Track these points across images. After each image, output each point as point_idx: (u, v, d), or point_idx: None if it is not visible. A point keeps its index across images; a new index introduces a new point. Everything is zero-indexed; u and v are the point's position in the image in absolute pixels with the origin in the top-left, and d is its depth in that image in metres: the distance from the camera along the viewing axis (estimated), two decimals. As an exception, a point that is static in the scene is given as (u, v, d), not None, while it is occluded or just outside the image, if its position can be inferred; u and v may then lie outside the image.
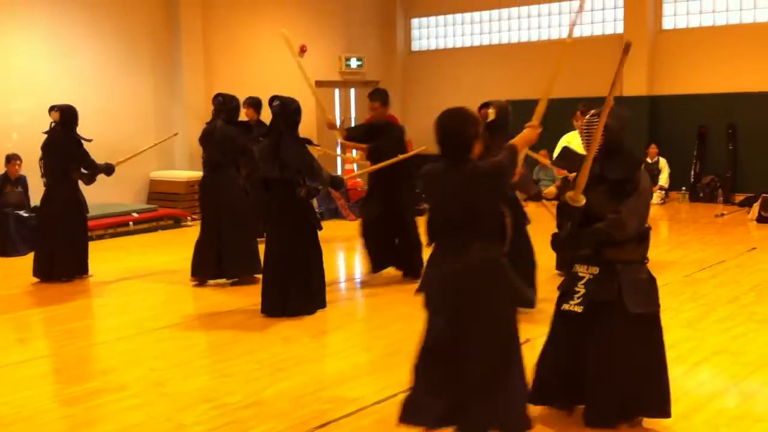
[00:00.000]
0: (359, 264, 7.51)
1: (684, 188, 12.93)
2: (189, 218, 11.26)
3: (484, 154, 5.71)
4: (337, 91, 15.48)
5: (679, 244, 8.94)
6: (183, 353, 5.51)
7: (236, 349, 5.47)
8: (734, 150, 12.70)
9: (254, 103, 9.58)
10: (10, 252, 9.09)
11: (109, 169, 7.88)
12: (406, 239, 7.29)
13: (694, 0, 13.17)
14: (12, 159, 9.53)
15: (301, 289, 6.18)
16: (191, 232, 7.90)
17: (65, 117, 7.60)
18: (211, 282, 7.39)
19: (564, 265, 6.99)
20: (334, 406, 4.33)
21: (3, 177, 9.52)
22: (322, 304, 6.29)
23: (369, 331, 5.83)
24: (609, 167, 3.82)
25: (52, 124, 7.67)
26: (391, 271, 7.38)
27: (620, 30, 13.74)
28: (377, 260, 7.32)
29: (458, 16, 15.86)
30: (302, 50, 14.52)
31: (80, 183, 7.76)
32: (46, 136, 7.71)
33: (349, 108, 15.89)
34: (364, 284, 7.30)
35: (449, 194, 3.57)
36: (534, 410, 3.80)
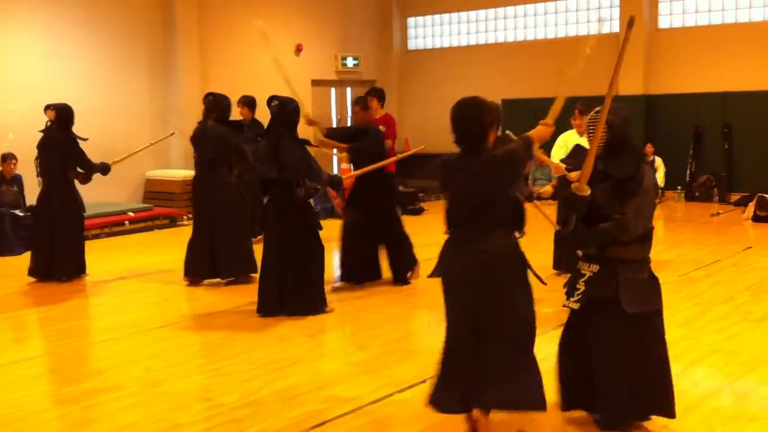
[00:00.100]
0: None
1: (680, 187, 12.96)
2: (185, 218, 11.24)
3: None
4: (333, 90, 15.48)
5: (675, 243, 8.96)
6: (179, 353, 5.50)
7: (232, 348, 5.47)
8: (730, 149, 12.73)
9: (249, 102, 9.56)
10: (5, 251, 9.08)
11: (105, 169, 7.87)
12: (392, 247, 7.23)
13: (689, -1, 13.22)
14: (7, 158, 9.52)
15: (302, 289, 6.18)
16: (187, 232, 7.89)
17: (61, 116, 7.58)
18: (205, 282, 7.39)
19: (561, 264, 7.01)
20: (330, 406, 4.33)
21: (-2, 176, 9.51)
22: (323, 304, 6.27)
23: (364, 331, 5.83)
24: (612, 164, 3.80)
25: (48, 123, 7.66)
26: (387, 268, 7.36)
27: (616, 29, 13.75)
28: (352, 271, 7.21)
29: (454, 15, 15.87)
30: (298, 49, 14.52)
31: (76, 182, 7.75)
32: (41, 135, 7.70)
33: (345, 107, 15.89)
34: (360, 285, 7.29)
35: (466, 182, 3.65)
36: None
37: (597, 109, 3.93)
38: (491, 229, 3.63)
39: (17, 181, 9.60)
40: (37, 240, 7.80)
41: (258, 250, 9.15)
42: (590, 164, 3.68)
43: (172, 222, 11.21)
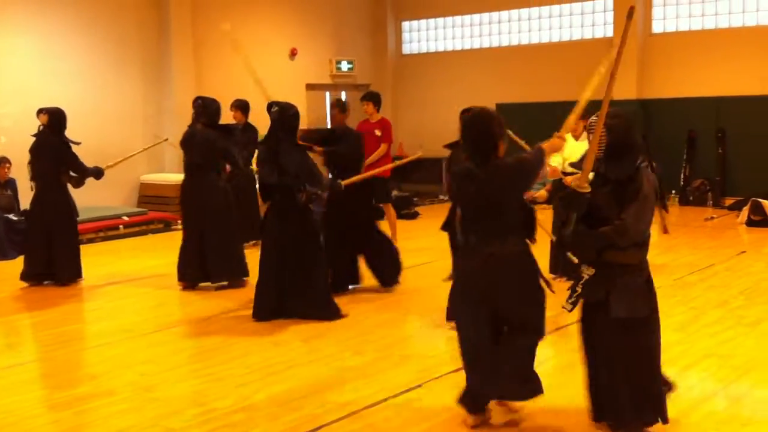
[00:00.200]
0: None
1: (674, 192, 12.99)
2: (179, 222, 11.21)
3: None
4: (327, 94, 15.48)
5: (669, 247, 8.97)
6: (173, 358, 5.49)
7: (226, 353, 5.46)
8: (724, 154, 12.77)
9: (242, 106, 9.55)
10: (-2, 256, 9.04)
11: (98, 173, 7.86)
12: (375, 252, 7.18)
13: (683, 4, 13.24)
14: (1, 162, 9.48)
15: (304, 293, 6.17)
16: (181, 236, 7.87)
17: (54, 120, 7.57)
18: (200, 285, 7.38)
19: (558, 268, 7.01)
20: (325, 411, 4.32)
21: (-8, 180, 9.47)
22: (337, 311, 6.22)
23: (359, 336, 5.83)
24: (611, 167, 3.81)
25: (41, 127, 7.64)
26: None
27: (610, 33, 13.80)
28: (338, 279, 7.11)
29: (449, 19, 15.90)
30: (292, 53, 14.52)
31: (70, 186, 7.74)
32: (34, 139, 7.68)
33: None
34: (355, 288, 7.29)
35: (478, 190, 3.84)
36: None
37: (598, 113, 3.94)
38: (503, 236, 3.83)
39: (11, 184, 9.56)
40: (31, 244, 7.78)
41: (253, 254, 9.15)
42: (590, 161, 3.73)
43: (167, 226, 11.18)
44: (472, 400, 4.05)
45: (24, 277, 7.68)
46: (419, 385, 4.71)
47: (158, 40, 12.49)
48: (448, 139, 5.98)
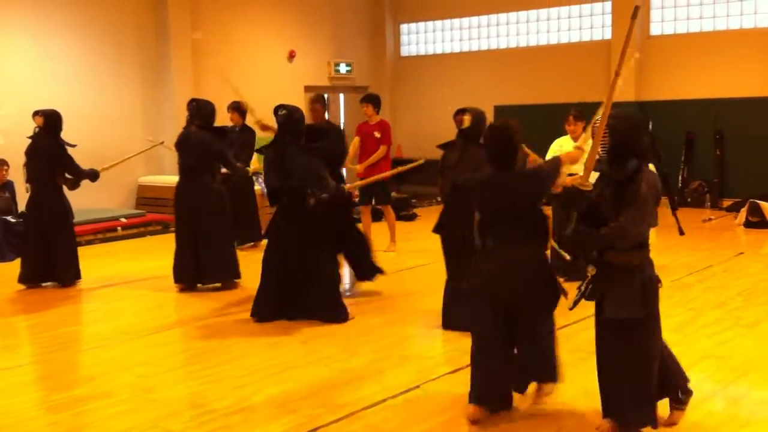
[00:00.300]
0: (346, 271, 7.49)
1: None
2: (177, 224, 11.22)
3: (460, 159, 5.73)
4: (326, 96, 15.47)
5: (667, 248, 8.97)
6: (171, 359, 5.49)
7: (224, 354, 5.45)
8: (721, 155, 12.79)
9: (238, 108, 9.56)
10: (-3, 258, 9.04)
11: (94, 175, 7.86)
12: (356, 251, 7.13)
13: (681, 6, 13.27)
14: (-1, 164, 9.49)
15: (314, 297, 6.16)
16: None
17: (49, 122, 7.56)
18: (198, 287, 7.38)
19: (558, 269, 7.01)
20: (324, 412, 4.32)
21: (-10, 182, 9.48)
22: (345, 314, 6.21)
23: (357, 337, 5.82)
24: (613, 168, 3.82)
25: (36, 129, 7.64)
26: (379, 276, 7.34)
27: (608, 36, 13.82)
28: None
29: (447, 21, 15.92)
30: (291, 55, 14.53)
31: (65, 188, 7.74)
32: (30, 141, 7.68)
33: (338, 113, 15.91)
34: (352, 290, 7.29)
35: (497, 197, 4.12)
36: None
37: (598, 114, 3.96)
38: (519, 240, 4.05)
39: (9, 187, 9.57)
40: (27, 246, 7.78)
41: (250, 256, 9.15)
42: (592, 160, 3.77)
43: (165, 228, 11.17)
44: (477, 396, 4.16)
45: (22, 279, 7.67)
46: (417, 386, 4.71)
47: (157, 42, 12.49)
48: (447, 140, 5.98)
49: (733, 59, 12.62)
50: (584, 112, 7.63)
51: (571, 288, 4.07)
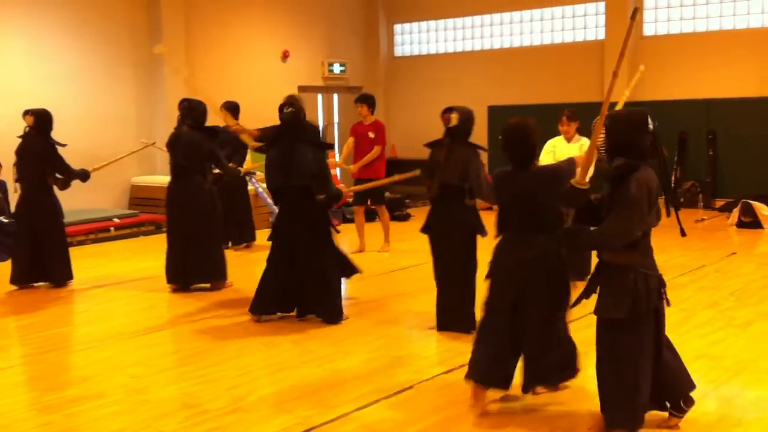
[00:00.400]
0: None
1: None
2: (171, 224, 11.18)
3: (447, 158, 5.73)
4: (320, 96, 15.49)
5: (660, 249, 8.91)
6: (163, 360, 5.47)
7: (218, 355, 5.44)
8: (714, 155, 12.82)
9: (232, 108, 9.52)
10: (-12, 258, 9.00)
11: (84, 175, 7.83)
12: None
13: (674, 7, 13.30)
14: (-10, 164, 9.44)
15: (318, 295, 6.16)
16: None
17: (40, 122, 7.53)
18: (192, 287, 7.37)
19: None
20: (317, 412, 4.32)
21: (-18, 182, 9.42)
22: (340, 314, 6.21)
23: (351, 338, 5.82)
24: (612, 167, 3.83)
25: (27, 129, 7.61)
26: (374, 274, 7.36)
27: (602, 36, 13.85)
28: None
29: (440, 22, 15.92)
30: (285, 55, 14.52)
31: (56, 188, 7.71)
32: (20, 140, 7.65)
33: (332, 113, 15.90)
34: (346, 291, 7.28)
35: (517, 194, 4.27)
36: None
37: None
38: (536, 235, 4.18)
39: (1, 187, 9.51)
40: (18, 247, 7.74)
41: (242, 256, 9.13)
42: (590, 159, 3.78)
43: (158, 228, 11.13)
44: (478, 374, 4.28)
45: (13, 280, 7.65)
46: (411, 387, 4.71)
47: (150, 42, 12.43)
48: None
49: (726, 60, 12.66)
50: (577, 112, 7.64)
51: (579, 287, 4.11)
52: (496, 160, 4.92)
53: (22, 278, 7.64)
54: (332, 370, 5.09)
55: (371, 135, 9.11)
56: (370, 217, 10.29)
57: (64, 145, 7.62)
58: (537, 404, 4.35)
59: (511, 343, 4.25)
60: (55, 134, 7.65)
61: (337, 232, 6.36)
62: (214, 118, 9.50)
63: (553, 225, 4.13)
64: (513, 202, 4.29)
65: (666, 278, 4.04)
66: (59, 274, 7.67)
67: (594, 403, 3.99)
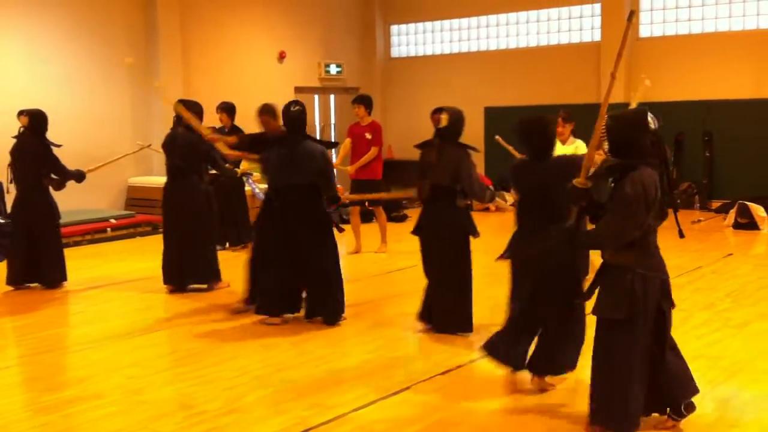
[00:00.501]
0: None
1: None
2: (167, 225, 11.16)
3: (437, 158, 5.74)
4: (316, 97, 15.48)
5: (657, 250, 9.01)
6: (160, 360, 5.47)
7: (215, 356, 5.44)
8: (711, 157, 12.84)
9: (228, 109, 9.51)
10: (-16, 259, 8.97)
11: (79, 176, 7.81)
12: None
13: (670, 9, 13.33)
14: (-14, 165, 9.41)
15: (321, 296, 6.16)
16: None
17: (34, 122, 7.51)
18: (189, 288, 7.36)
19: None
20: (314, 413, 4.31)
21: (-22, 183, 9.40)
22: (341, 313, 6.23)
23: (348, 338, 5.82)
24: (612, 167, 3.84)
25: (21, 129, 7.60)
26: (371, 275, 7.35)
27: (597, 38, 13.86)
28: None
29: (437, 23, 15.93)
30: (281, 56, 14.51)
31: (51, 189, 7.70)
32: (15, 141, 7.64)
33: (329, 114, 15.89)
34: (345, 291, 7.28)
35: (534, 185, 4.47)
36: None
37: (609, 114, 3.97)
38: (550, 224, 4.30)
39: (-3, 187, 9.49)
40: (13, 248, 7.72)
41: (239, 257, 9.12)
42: (591, 158, 3.78)
43: (155, 229, 11.10)
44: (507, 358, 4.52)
45: (8, 281, 7.63)
46: (408, 387, 4.71)
47: (146, 43, 12.44)
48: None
49: (722, 61, 12.68)
50: (573, 113, 7.65)
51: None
52: (492, 161, 4.99)
53: (17, 279, 7.62)
54: (329, 371, 5.09)
55: (368, 136, 9.11)
56: (367, 218, 10.29)
57: (59, 146, 7.61)
58: (537, 404, 4.36)
59: (529, 327, 4.49)
60: (51, 135, 7.63)
61: (341, 231, 6.35)
62: (214, 119, 9.51)
63: (567, 214, 4.24)
64: (531, 192, 4.50)
65: (663, 279, 4.02)
66: (52, 276, 7.65)
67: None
